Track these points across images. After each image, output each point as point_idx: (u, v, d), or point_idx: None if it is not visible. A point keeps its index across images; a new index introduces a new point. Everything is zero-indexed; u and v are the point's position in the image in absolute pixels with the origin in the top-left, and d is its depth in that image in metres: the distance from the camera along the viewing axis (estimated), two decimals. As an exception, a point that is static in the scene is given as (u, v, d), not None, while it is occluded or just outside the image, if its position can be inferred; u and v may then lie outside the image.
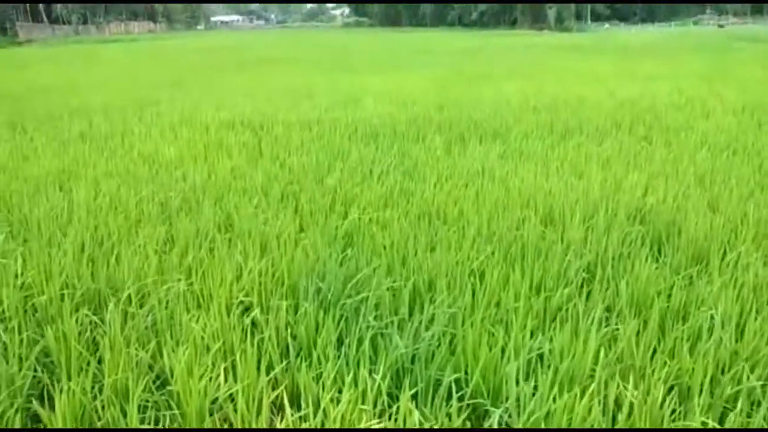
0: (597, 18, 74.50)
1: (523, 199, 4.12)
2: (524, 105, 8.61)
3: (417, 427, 2.06)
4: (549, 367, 2.30)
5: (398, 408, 2.12)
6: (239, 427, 2.09)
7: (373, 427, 2.06)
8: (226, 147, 6.10)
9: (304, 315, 2.66)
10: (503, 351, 2.32)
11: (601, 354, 2.33)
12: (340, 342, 2.54)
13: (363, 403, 2.12)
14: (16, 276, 3.13)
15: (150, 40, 54.85)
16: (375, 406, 2.15)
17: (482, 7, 73.47)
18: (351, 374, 2.22)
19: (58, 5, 73.97)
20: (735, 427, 2.04)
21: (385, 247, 3.40)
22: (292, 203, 4.34)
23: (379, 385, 2.18)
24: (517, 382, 2.19)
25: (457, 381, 2.25)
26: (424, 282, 2.90)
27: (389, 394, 2.24)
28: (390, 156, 5.59)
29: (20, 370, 2.38)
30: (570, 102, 8.91)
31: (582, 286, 2.97)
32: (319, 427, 2.06)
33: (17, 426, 2.07)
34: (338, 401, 2.17)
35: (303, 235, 3.68)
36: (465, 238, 3.41)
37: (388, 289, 2.81)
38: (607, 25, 69.51)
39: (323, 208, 4.12)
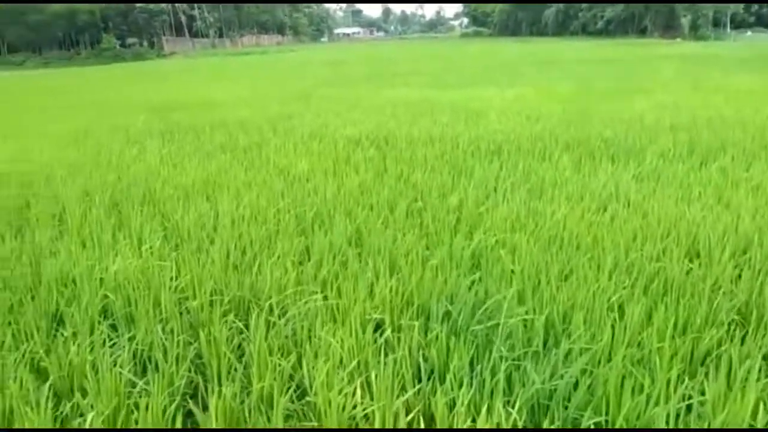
0: (738, 25, 68.68)
1: (663, 228, 3.88)
2: (659, 123, 8.12)
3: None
4: (699, 416, 2.15)
5: (534, 445, 2.09)
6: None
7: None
8: (354, 162, 6.30)
9: (435, 338, 2.68)
10: (648, 397, 2.20)
11: (761, 409, 2.14)
12: (471, 368, 2.54)
13: (498, 436, 2.10)
14: (171, 279, 3.43)
15: (277, 52, 58.08)
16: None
17: (609, 14, 70.31)
18: (486, 405, 2.20)
19: (198, 21, 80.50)
20: None
21: (513, 272, 3.35)
22: (417, 220, 4.40)
23: (515, 419, 2.15)
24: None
25: (596, 423, 2.17)
26: (559, 314, 2.82)
27: (525, 428, 2.20)
28: (515, 174, 5.50)
29: (178, 370, 2.60)
30: (711, 120, 8.28)
31: (735, 330, 2.74)
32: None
33: (179, 424, 2.26)
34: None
35: (429, 253, 3.73)
36: (601, 268, 3.28)
37: (520, 319, 2.76)
38: (749, 33, 63.80)
39: (448, 227, 4.13)
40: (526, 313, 2.82)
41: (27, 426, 2.18)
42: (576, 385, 2.37)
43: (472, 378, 2.45)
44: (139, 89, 20.18)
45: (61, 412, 2.41)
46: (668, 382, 2.28)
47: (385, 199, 4.87)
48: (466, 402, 2.26)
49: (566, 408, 2.27)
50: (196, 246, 3.97)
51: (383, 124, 8.82)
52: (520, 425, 2.15)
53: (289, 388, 2.51)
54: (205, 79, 24.60)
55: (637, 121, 8.26)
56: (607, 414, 2.20)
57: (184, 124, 9.78)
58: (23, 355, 2.74)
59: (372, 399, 2.37)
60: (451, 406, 2.31)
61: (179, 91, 18.01)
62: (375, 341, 2.74)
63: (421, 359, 2.63)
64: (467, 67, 24.86)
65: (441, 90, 14.76)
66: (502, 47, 45.66)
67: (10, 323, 3.03)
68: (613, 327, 2.67)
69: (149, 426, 2.25)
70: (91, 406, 2.39)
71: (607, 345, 2.55)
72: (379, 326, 2.93)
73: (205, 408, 2.48)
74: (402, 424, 2.18)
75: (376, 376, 2.42)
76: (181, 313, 3.12)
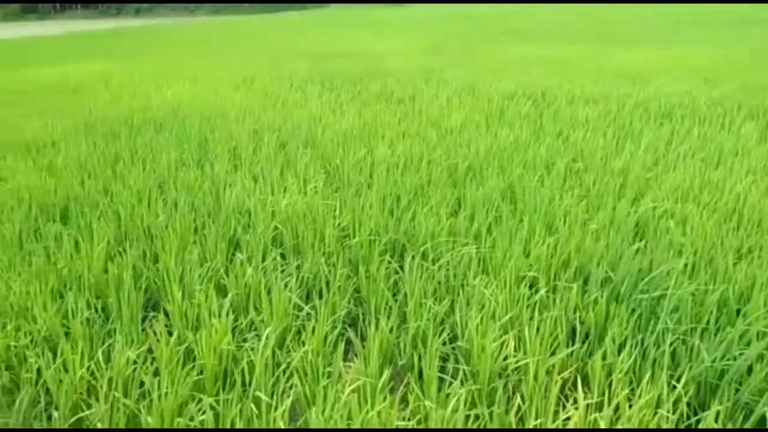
0: None
1: None
2: None
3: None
4: None
5: (699, 421, 1.99)
6: (528, 399, 2.16)
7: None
8: (508, 118, 6.15)
9: (594, 302, 2.61)
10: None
11: None
12: (632, 337, 2.44)
13: (659, 408, 2.02)
14: (334, 218, 3.64)
15: (425, 7, 57.40)
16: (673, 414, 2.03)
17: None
18: (648, 374, 2.12)
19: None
20: None
21: (682, 245, 3.13)
22: (576, 182, 4.24)
23: (680, 393, 2.05)
24: None
25: (773, 411, 2.00)
26: (734, 292, 2.60)
27: (688, 404, 2.10)
28: (688, 140, 5.06)
29: (340, 301, 2.79)
30: None
31: None
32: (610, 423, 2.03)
33: (340, 351, 2.43)
34: (629, 398, 2.11)
35: (587, 216, 3.59)
36: (789, 249, 2.95)
37: (689, 293, 2.59)
38: None
39: (611, 191, 3.93)
40: (697, 287, 2.64)
41: (212, 332, 2.47)
42: (750, 369, 2.20)
43: (632, 347, 2.36)
44: (299, 38, 21.10)
45: (239, 324, 2.70)
46: None
47: (541, 156, 4.72)
48: (625, 369, 2.20)
49: (737, 391, 2.12)
50: (355, 190, 4.15)
51: (539, 81, 8.47)
52: (684, 401, 2.05)
53: (441, 330, 2.59)
54: (358, 30, 25.09)
55: (842, 90, 7.16)
56: (787, 403, 2.03)
57: (341, 73, 10.11)
58: (207, 272, 3.08)
59: (525, 353, 2.38)
60: (609, 371, 2.25)
61: (336, 40, 18.58)
62: (530, 298, 2.73)
63: (577, 322, 2.58)
64: (616, 24, 22.88)
65: (597, 48, 13.78)
66: (663, 7, 41.22)
67: (195, 242, 3.41)
68: (800, 314, 2.42)
69: (314, 347, 2.44)
70: (263, 323, 2.65)
71: (793, 332, 2.32)
72: (532, 284, 2.91)
73: (363, 339, 2.65)
74: (557, 381, 2.17)
75: (529, 332, 2.41)
76: (342, 249, 3.32)
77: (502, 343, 2.43)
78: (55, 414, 2.25)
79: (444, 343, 2.55)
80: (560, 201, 3.77)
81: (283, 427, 2.04)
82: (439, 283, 2.93)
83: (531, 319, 2.56)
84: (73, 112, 7.21)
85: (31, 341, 2.62)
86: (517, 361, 2.34)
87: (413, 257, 3.09)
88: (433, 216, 3.56)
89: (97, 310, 2.82)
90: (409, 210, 3.68)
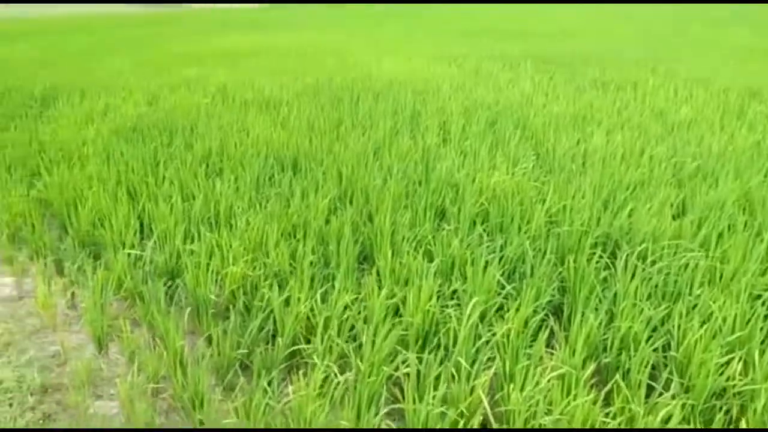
0: None
1: None
2: None
3: None
4: None
5: None
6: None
7: None
8: (749, 117, 5.45)
9: None
10: None
11: None
12: None
13: None
14: (543, 202, 3.56)
15: None
16: None
17: None
18: None
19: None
20: None
21: None
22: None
23: None
24: None
25: None
26: None
27: None
28: None
29: (545, 288, 2.74)
30: None
31: None
32: None
33: (543, 337, 2.41)
34: None
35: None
36: None
37: None
38: None
39: None
40: None
41: (420, 293, 2.59)
42: None
43: None
44: (475, 19, 20.73)
45: (442, 291, 2.78)
46: None
47: (788, 166, 4.12)
48: None
49: None
50: (566, 176, 4.02)
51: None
52: None
53: (651, 337, 2.43)
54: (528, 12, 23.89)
55: None
56: None
57: (552, 55, 9.75)
58: (415, 236, 3.22)
59: (752, 379, 2.13)
60: None
61: (525, 22, 17.93)
62: (765, 318, 2.43)
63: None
64: None
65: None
66: None
67: (406, 207, 3.58)
68: None
69: (516, 327, 2.44)
70: (465, 293, 2.70)
71: None
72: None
73: (565, 330, 2.58)
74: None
75: (760, 356, 2.16)
76: (548, 235, 3.24)
77: (727, 362, 2.21)
78: (279, 341, 2.54)
79: (655, 350, 2.39)
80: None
81: (484, 397, 2.09)
82: (656, 287, 2.74)
83: (763, 342, 2.29)
84: (303, 77, 7.92)
85: (263, 273, 2.98)
86: (743, 385, 2.11)
87: (628, 255, 2.92)
88: (655, 215, 3.32)
89: (318, 255, 3.12)
90: (626, 206, 3.46)
